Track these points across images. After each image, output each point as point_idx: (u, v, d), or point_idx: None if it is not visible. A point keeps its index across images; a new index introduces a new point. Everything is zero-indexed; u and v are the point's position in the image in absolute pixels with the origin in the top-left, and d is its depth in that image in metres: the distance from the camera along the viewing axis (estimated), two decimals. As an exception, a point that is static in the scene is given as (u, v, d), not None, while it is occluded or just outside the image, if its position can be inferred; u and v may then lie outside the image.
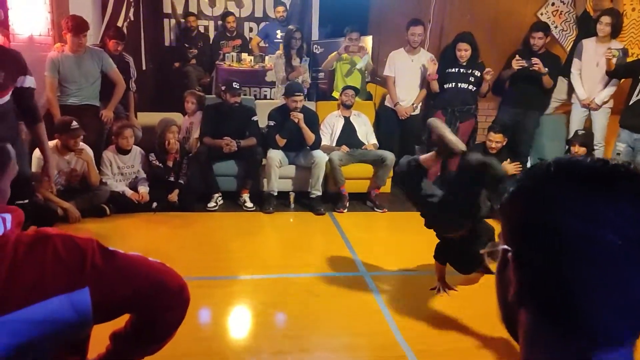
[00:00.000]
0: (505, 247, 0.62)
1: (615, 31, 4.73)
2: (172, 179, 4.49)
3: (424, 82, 4.98)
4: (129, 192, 4.34)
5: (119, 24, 5.23)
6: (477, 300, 3.03)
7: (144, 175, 4.48)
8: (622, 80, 4.72)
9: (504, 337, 2.74)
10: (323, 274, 3.51)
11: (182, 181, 4.50)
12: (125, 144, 4.38)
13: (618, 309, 0.54)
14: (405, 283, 3.39)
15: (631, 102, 4.52)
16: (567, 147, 4.47)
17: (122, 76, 4.58)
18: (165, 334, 1.10)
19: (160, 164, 4.49)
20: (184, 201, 4.44)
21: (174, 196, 4.42)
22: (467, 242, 2.79)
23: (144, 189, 4.38)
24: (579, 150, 4.35)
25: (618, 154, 4.64)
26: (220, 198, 4.62)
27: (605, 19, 4.67)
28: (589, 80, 4.86)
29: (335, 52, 5.31)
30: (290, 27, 5.45)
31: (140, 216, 4.27)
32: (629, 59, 4.67)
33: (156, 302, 1.01)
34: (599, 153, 4.74)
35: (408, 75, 4.98)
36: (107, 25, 5.08)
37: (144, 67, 6.06)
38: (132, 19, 5.79)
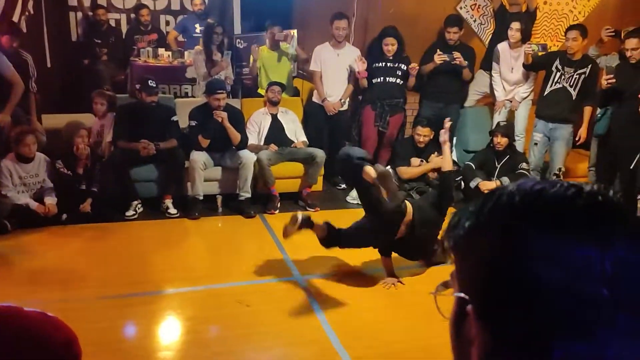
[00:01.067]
0: (462, 296, 0.49)
1: (526, 36, 4.85)
2: (83, 187, 4.10)
3: (351, 77, 4.90)
4: (33, 204, 3.91)
5: (15, 18, 4.70)
6: (416, 298, 2.97)
7: (51, 185, 4.05)
8: (538, 72, 4.89)
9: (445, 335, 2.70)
10: (255, 282, 3.33)
11: (95, 189, 4.13)
12: (27, 151, 3.93)
13: None
14: (340, 284, 3.29)
15: (545, 93, 4.71)
16: (490, 138, 4.57)
17: (20, 76, 4.12)
18: None
19: (69, 172, 4.08)
20: (98, 211, 4.08)
21: (86, 206, 4.06)
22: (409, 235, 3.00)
23: (51, 200, 3.96)
24: (501, 140, 4.47)
25: (535, 143, 4.83)
26: (139, 205, 4.29)
27: (515, 25, 4.77)
28: (507, 84, 5.00)
29: (254, 45, 5.09)
30: (210, 20, 5.16)
31: (47, 230, 3.87)
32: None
33: None
34: (519, 144, 4.91)
35: (334, 70, 4.88)
36: (-1, 20, 4.54)
37: (48, 65, 5.51)
38: (31, 12, 5.23)
